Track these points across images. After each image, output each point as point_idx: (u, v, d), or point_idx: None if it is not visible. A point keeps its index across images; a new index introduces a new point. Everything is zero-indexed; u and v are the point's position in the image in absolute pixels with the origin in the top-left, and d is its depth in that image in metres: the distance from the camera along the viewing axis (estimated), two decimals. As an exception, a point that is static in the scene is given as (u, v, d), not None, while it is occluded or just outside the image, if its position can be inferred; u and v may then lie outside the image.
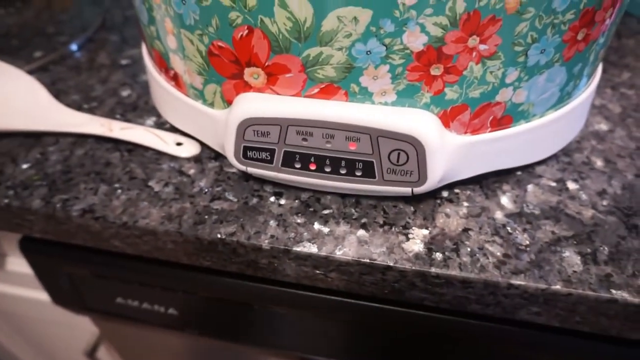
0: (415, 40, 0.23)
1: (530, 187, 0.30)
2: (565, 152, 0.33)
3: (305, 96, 0.26)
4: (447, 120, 0.26)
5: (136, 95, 0.40)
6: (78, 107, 0.39)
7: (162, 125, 0.36)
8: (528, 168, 0.32)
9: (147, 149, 0.34)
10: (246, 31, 0.24)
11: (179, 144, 0.34)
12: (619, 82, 0.40)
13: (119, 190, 0.31)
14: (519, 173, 0.31)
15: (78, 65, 0.44)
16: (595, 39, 0.26)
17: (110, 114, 0.38)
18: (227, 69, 0.27)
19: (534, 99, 0.27)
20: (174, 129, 0.36)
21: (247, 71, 0.26)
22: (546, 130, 0.29)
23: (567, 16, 0.23)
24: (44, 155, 0.34)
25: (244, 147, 0.28)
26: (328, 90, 0.25)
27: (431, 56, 0.23)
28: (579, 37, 0.25)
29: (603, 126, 0.35)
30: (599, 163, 0.32)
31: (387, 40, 0.23)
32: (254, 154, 0.28)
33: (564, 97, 0.28)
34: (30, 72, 0.43)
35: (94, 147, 0.35)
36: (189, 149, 0.33)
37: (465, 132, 0.27)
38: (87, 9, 0.53)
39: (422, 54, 0.23)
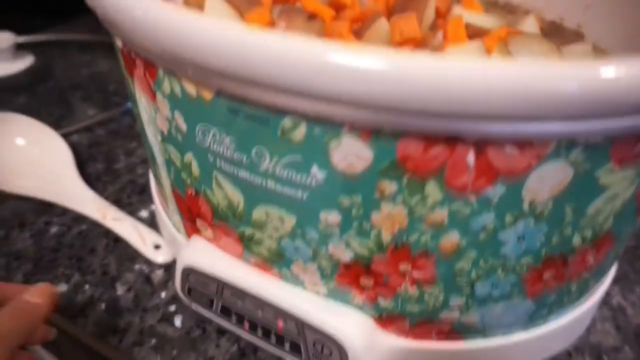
0: (341, 253, 0.21)
1: (485, 402, 0.27)
2: (548, 363, 0.28)
3: (245, 260, 0.25)
4: (383, 323, 0.24)
5: (149, 176, 0.42)
6: (97, 178, 0.42)
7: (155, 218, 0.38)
8: (494, 374, 0.28)
9: (131, 241, 0.36)
10: (194, 192, 0.24)
11: (157, 246, 0.35)
12: (659, 277, 0.34)
13: (87, 285, 0.33)
14: (481, 378, 0.28)
15: (117, 131, 0.48)
16: (577, 276, 0.22)
17: (119, 192, 0.40)
18: (184, 212, 0.27)
19: (490, 323, 0.24)
20: (162, 226, 0.37)
21: (198, 221, 0.26)
22: (514, 349, 0.25)
23: (523, 261, 0.20)
24: (48, 226, 0.37)
25: (188, 287, 0.28)
26: (264, 266, 0.25)
27: (359, 270, 0.22)
28: (546, 276, 0.21)
29: (610, 340, 0.30)
30: (582, 392, 0.27)
31: (313, 245, 0.21)
32: (197, 296, 0.28)
33: (536, 320, 0.24)
34: (76, 131, 0.47)
35: (90, 228, 0.37)
36: (164, 255, 0.34)
37: (407, 337, 0.25)
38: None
39: (350, 266, 0.21)
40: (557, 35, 0.32)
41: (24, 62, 0.56)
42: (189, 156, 0.23)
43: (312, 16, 0.27)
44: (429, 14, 0.31)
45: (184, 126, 0.21)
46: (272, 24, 0.28)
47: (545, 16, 0.33)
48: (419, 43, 0.28)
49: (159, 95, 0.22)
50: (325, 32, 0.30)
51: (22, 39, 0.58)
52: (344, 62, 0.14)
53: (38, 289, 0.24)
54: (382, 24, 0.29)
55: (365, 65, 0.14)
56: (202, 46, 0.16)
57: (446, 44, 0.29)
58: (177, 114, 0.21)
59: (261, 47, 0.15)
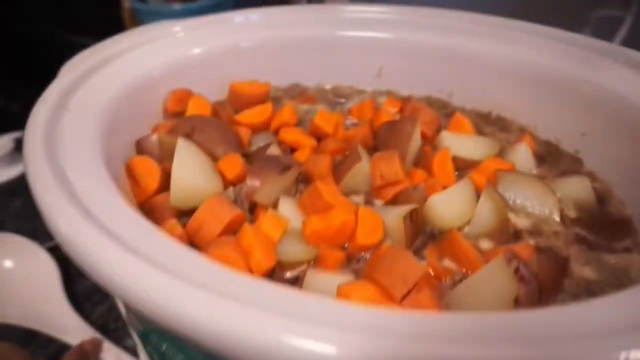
0: None
1: None
2: None
3: None
4: None
5: (138, 295, 0.40)
6: (85, 298, 0.40)
7: (141, 348, 0.36)
8: None
9: (115, 378, 0.34)
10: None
11: (140, 386, 0.33)
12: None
13: None
14: None
15: (109, 239, 0.47)
16: None
17: (107, 315, 0.39)
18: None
19: None
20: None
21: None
22: None
23: None
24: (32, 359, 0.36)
25: None
26: None
27: None
28: None
29: None
30: None
31: None
32: None
33: None
34: (68, 239, 0.46)
35: (73, 361, 0.36)
36: (146, 397, 0.32)
37: None
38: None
39: None
40: (553, 159, 0.30)
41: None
42: (149, 349, 0.21)
43: (285, 168, 0.26)
44: (414, 145, 0.29)
45: (139, 327, 0.20)
46: (244, 174, 0.27)
47: (539, 134, 0.32)
48: (401, 190, 0.26)
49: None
50: (306, 172, 0.28)
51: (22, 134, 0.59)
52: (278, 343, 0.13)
53: (90, 340, 0.33)
54: (363, 167, 0.27)
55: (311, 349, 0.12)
56: (144, 302, 0.15)
57: (433, 182, 0.27)
58: (130, 315, 0.20)
59: (201, 320, 0.14)
